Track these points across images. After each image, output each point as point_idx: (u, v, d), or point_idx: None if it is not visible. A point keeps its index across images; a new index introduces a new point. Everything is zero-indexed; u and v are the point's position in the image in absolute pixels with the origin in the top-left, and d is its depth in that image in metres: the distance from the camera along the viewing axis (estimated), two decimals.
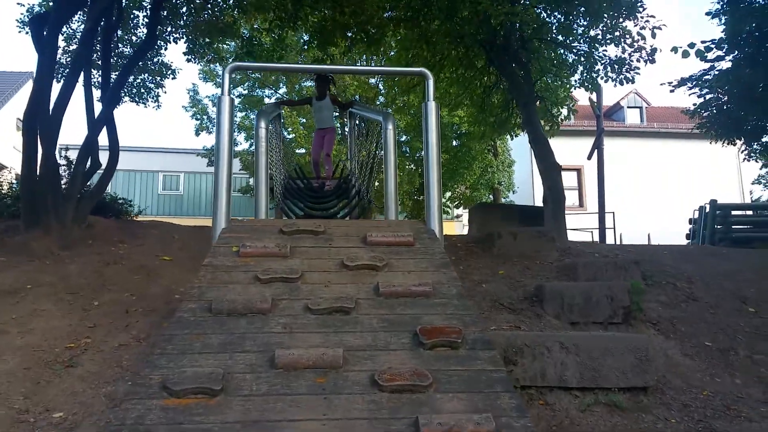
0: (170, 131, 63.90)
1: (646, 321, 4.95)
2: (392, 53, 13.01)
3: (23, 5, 10.52)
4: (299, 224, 3.71)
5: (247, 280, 3.13)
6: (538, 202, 21.97)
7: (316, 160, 8.06)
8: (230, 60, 12.99)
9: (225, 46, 12.91)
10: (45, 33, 6.78)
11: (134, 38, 11.15)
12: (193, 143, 46.61)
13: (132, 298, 5.02)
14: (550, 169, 8.65)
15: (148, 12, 9.08)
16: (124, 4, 8.72)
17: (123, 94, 11.14)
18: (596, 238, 16.67)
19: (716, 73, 9.83)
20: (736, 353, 4.59)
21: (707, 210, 15.20)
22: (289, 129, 20.82)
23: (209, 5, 10.77)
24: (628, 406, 3.69)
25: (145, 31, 9.89)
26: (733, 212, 15.22)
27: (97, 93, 8.42)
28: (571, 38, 9.81)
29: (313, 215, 6.06)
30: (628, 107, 28.01)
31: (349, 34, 10.69)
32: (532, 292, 5.12)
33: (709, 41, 9.57)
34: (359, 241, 3.59)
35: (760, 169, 27.90)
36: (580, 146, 20.10)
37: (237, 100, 23.72)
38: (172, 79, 12.14)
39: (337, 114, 10.11)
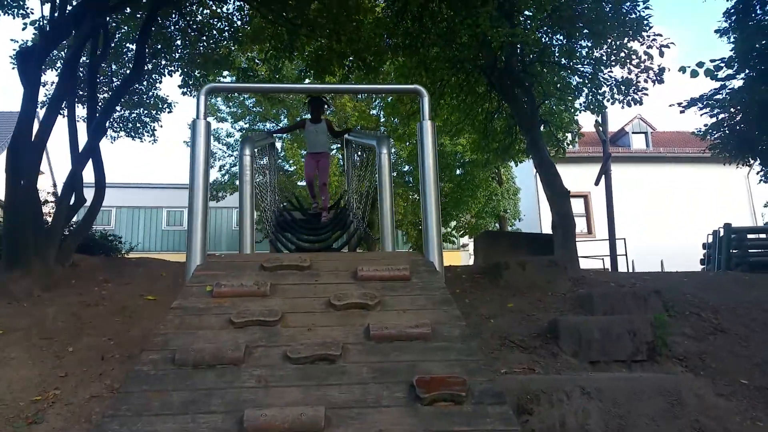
0: (172, 167, 64.08)
1: (672, 357, 4.51)
2: (392, 81, 12.78)
3: (16, 41, 10.36)
4: (282, 259, 3.32)
5: (219, 324, 2.74)
6: (545, 230, 21.58)
7: (310, 181, 7.58)
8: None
9: (221, 78, 12.67)
10: (29, 66, 6.54)
11: (126, 71, 10.94)
12: None
13: (109, 342, 4.63)
14: (558, 195, 8.26)
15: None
16: (110, 34, 8.46)
17: (111, 127, 10.89)
18: (608, 266, 16.18)
19: (728, 92, 9.49)
20: None
21: (721, 234, 14.77)
22: (290, 161, 20.59)
23: (204, 37, 10.59)
24: None
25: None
26: (749, 236, 14.78)
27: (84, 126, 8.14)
28: (574, 61, 9.53)
29: (306, 248, 5.68)
30: (633, 132, 27.76)
31: (347, 63, 10.44)
32: (545, 327, 4.69)
33: (718, 60, 9.26)
34: (349, 276, 3.20)
35: None
36: (585, 173, 19.79)
37: (237, 135, 23.59)
38: (168, 112, 11.91)
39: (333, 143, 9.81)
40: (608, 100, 9.36)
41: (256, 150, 5.22)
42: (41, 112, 7.84)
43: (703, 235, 16.45)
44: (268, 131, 9.31)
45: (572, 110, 10.48)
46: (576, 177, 20.10)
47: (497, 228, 21.86)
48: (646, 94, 8.95)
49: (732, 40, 9.64)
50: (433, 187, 3.47)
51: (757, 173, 11.83)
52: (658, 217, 23.41)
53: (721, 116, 10.03)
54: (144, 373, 2.42)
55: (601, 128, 16.66)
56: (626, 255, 17.94)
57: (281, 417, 2.08)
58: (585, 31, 8.79)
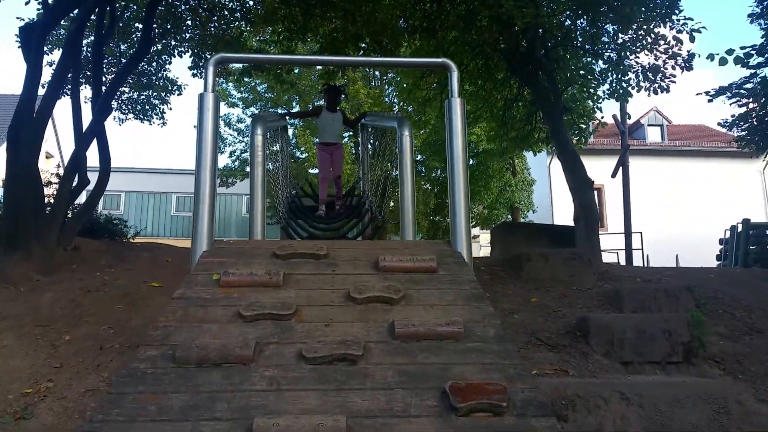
0: (182, 152, 63.99)
1: (708, 358, 4.19)
2: None
3: (22, 19, 10.08)
4: (297, 246, 3.03)
5: (227, 317, 2.46)
6: (557, 221, 21.31)
7: (326, 176, 7.16)
8: (237, 76, 12.45)
9: None
10: (32, 41, 6.26)
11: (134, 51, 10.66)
12: None
13: (110, 331, 4.37)
14: (581, 185, 7.91)
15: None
16: (116, 11, 8.13)
17: (119, 108, 10.61)
18: (622, 259, 15.83)
19: (759, 80, 9.08)
20: None
21: (739, 230, 14.41)
22: (302, 148, 20.30)
23: (215, 17, 10.27)
24: None
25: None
26: None
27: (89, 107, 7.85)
28: (598, 46, 9.16)
29: (319, 236, 5.39)
30: (648, 125, 27.33)
31: (362, 45, 10.10)
32: (573, 324, 4.39)
33: (749, 47, 8.84)
34: (370, 267, 2.91)
35: None
36: (599, 165, 19.37)
37: (248, 121, 23.28)
38: (178, 95, 11.64)
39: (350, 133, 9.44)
40: (634, 87, 8.99)
41: (268, 132, 4.95)
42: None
43: (718, 230, 16.11)
44: (281, 113, 8.97)
45: (595, 98, 10.09)
46: (590, 169, 19.69)
47: (509, 219, 21.54)
48: (674, 82, 8.60)
49: (764, 26, 9.21)
50: (462, 170, 3.17)
51: None
52: (671, 211, 23.04)
53: (752, 105, 9.63)
54: (140, 371, 2.15)
55: (619, 120, 16.28)
56: (642, 249, 17.57)
57: (296, 427, 1.80)
58: (610, 15, 8.42)
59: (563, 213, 22.71)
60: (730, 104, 9.58)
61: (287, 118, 7.92)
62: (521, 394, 2.04)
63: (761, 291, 6.08)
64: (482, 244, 25.28)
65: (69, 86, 7.61)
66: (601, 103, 10.13)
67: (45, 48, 10.00)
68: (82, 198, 7.80)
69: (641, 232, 17.52)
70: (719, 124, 10.71)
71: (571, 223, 8.21)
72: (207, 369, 2.13)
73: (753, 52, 9.02)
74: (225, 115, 23.98)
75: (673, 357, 3.98)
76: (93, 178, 7.04)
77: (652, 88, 8.70)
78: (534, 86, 9.01)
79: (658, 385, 3.21)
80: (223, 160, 23.63)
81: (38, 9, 7.99)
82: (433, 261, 2.89)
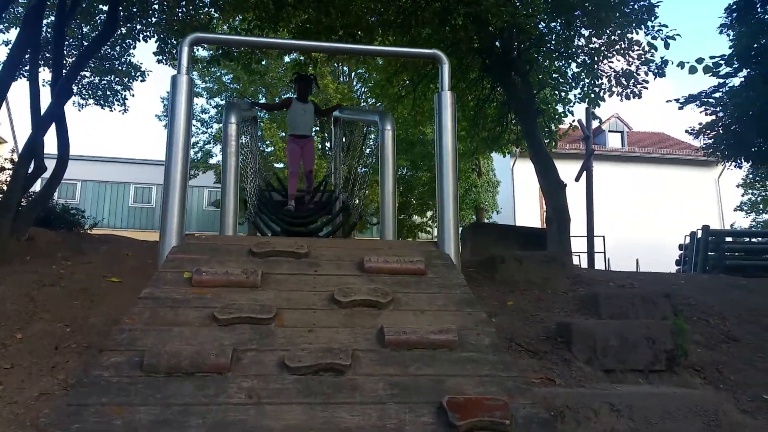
0: (142, 141, 62.45)
1: (688, 367, 4.14)
2: (380, 61, 12.27)
3: None
4: (275, 243, 2.83)
5: (200, 320, 2.25)
6: (520, 223, 21.46)
7: (296, 171, 6.82)
8: (205, 65, 12.06)
9: (199, 48, 11.96)
10: None
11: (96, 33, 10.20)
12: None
13: (66, 329, 4.08)
14: (554, 187, 7.88)
15: None
16: None
17: (79, 93, 10.15)
18: (583, 262, 15.98)
19: (726, 90, 9.22)
20: None
21: (699, 236, 14.69)
22: (267, 142, 19.92)
23: (183, 2, 9.91)
24: None
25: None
26: (726, 238, 14.75)
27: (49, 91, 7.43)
28: (571, 50, 9.13)
29: (292, 232, 5.17)
30: (609, 131, 27.85)
31: (335, 38, 9.86)
32: (553, 330, 4.28)
33: (718, 57, 8.98)
34: (354, 268, 2.72)
35: (742, 195, 27.80)
36: (561, 169, 19.58)
37: (212, 111, 22.77)
38: (141, 81, 11.20)
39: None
40: (606, 92, 9.01)
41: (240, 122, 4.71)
42: None
43: (675, 235, 16.43)
44: (251, 102, 8.61)
45: (566, 101, 10.09)
46: None
47: (474, 220, 21.58)
48: (646, 88, 8.64)
49: (732, 37, 9.36)
50: (451, 168, 3.01)
51: (748, 174, 11.68)
52: (630, 216, 23.53)
53: (720, 114, 9.77)
54: (104, 379, 1.92)
55: (584, 124, 16.42)
56: (604, 253, 17.79)
57: None
58: (585, 18, 8.40)
59: (526, 215, 22.94)
60: (700, 112, 9.70)
61: (255, 108, 7.54)
62: (522, 410, 1.89)
63: (729, 298, 6.12)
64: None
65: (27, 68, 7.17)
66: (572, 106, 10.14)
67: (2, 26, 9.52)
68: (37, 186, 7.40)
69: (603, 236, 17.73)
70: (686, 131, 10.88)
71: (538, 225, 8.19)
72: (179, 378, 1.92)
73: (722, 62, 9.16)
74: None
75: (657, 365, 3.91)
76: (50, 165, 6.66)
77: (624, 93, 8.72)
78: (507, 87, 8.95)
79: (647, 396, 3.11)
80: None
81: None
82: (421, 263, 2.73)
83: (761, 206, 27.52)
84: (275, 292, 2.46)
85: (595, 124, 27.56)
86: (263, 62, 14.64)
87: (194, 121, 23.18)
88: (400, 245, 3.28)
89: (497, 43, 9.17)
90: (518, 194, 24.53)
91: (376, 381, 1.98)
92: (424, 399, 1.91)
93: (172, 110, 2.86)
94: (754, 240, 16.32)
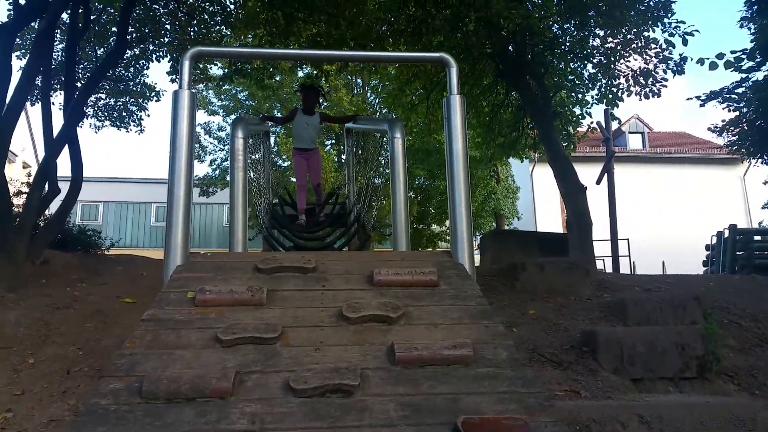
0: (161, 161, 63.16)
1: (720, 373, 3.95)
2: (392, 71, 12.22)
3: None
4: (281, 259, 2.73)
5: (203, 342, 2.15)
6: (541, 229, 21.17)
7: (304, 185, 6.56)
8: (218, 82, 12.10)
9: (213, 66, 12.03)
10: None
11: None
12: None
13: (78, 352, 4.03)
14: (574, 191, 7.70)
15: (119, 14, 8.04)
16: (90, 10, 7.72)
17: (95, 115, 10.22)
18: (608, 267, 15.67)
19: (750, 85, 8.97)
20: None
21: (726, 235, 14.33)
22: (284, 156, 19.96)
23: (195, 21, 9.96)
24: None
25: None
26: (756, 237, 14.36)
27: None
28: (586, 51, 8.98)
29: (304, 246, 5.08)
30: (630, 132, 27.45)
31: (346, 50, 9.82)
32: (578, 339, 4.13)
33: (739, 51, 8.73)
34: (363, 281, 2.62)
35: None
36: (582, 172, 19.33)
37: (228, 129, 22.88)
38: (156, 101, 11.28)
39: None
40: (624, 92, 8.82)
41: (250, 138, 4.65)
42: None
43: (701, 235, 16.05)
44: (262, 116, 8.51)
45: (584, 103, 9.91)
46: None
47: (494, 227, 21.37)
48: (665, 86, 8.43)
49: (754, 30, 9.11)
50: (462, 174, 2.90)
51: None
52: (654, 218, 23.11)
53: (742, 110, 9.51)
54: (101, 407, 1.83)
55: (603, 126, 16.18)
56: (629, 256, 17.44)
57: None
58: (599, 18, 8.25)
59: (547, 220, 22.64)
60: (723, 108, 9.45)
61: (267, 122, 7.40)
62: (545, 429, 1.76)
63: (764, 299, 5.88)
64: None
65: (40, 89, 7.22)
66: (590, 108, 9.96)
67: (17, 53, 9.63)
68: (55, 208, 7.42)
69: (628, 239, 17.41)
70: (709, 129, 10.62)
71: (558, 230, 8.01)
72: (178, 405, 1.82)
73: (743, 56, 8.92)
74: (205, 123, 23.61)
75: (687, 372, 3.73)
76: (65, 188, 6.66)
77: (643, 93, 8.53)
78: (522, 91, 8.82)
79: (678, 406, 2.95)
80: (204, 169, 23.22)
81: (8, 10, 7.61)
82: (434, 274, 2.61)
83: None
84: (281, 310, 2.36)
85: (614, 125, 27.31)
86: (276, 78, 14.68)
87: (211, 139, 23.37)
88: (412, 256, 3.16)
89: (510, 47, 9.06)
90: (538, 199, 24.27)
91: (386, 402, 1.87)
92: (438, 420, 1.79)
93: (174, 126, 2.79)
94: None
